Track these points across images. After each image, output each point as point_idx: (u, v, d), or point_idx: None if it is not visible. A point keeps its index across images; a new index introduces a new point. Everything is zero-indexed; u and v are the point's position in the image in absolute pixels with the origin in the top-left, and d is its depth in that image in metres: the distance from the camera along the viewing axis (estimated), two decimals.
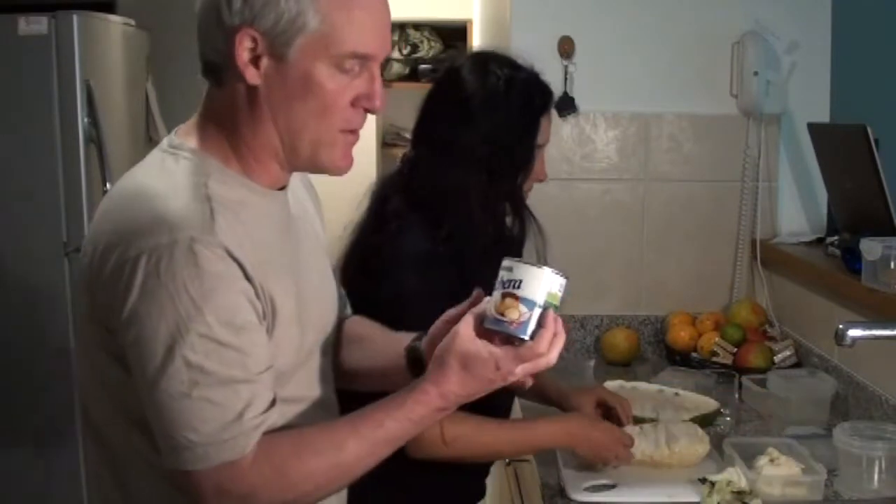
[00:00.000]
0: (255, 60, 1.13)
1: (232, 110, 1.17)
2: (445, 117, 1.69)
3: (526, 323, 1.13)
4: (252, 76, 1.13)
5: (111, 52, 3.30)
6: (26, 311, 3.03)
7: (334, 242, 1.70)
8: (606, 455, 1.68)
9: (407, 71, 4.80)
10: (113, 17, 3.40)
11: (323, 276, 1.33)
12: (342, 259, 1.68)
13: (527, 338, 1.13)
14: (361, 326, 1.43)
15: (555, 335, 1.15)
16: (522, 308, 1.13)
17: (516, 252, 1.71)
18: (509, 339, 1.14)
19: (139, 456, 1.15)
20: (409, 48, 4.86)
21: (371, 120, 6.09)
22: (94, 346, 1.15)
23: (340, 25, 1.12)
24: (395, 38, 4.94)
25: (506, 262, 1.16)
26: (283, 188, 1.24)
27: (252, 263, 1.11)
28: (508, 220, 1.72)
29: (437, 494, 1.71)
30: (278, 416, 1.13)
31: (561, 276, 1.15)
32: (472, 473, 1.78)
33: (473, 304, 1.19)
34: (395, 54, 4.89)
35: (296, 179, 1.31)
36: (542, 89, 1.72)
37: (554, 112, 2.51)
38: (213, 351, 1.06)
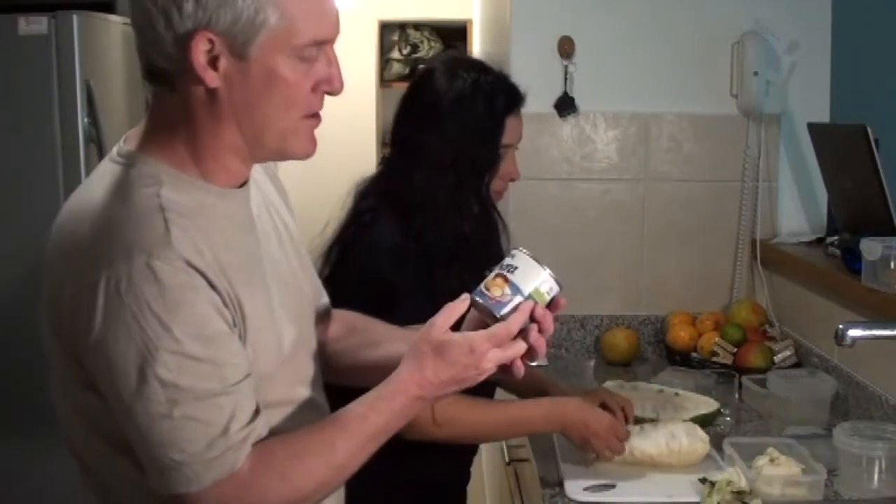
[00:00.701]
0: (213, 62, 1.10)
1: (188, 114, 1.13)
2: (415, 119, 1.75)
3: (504, 303, 1.17)
4: (211, 79, 1.09)
5: (111, 52, 3.30)
6: (26, 312, 3.03)
7: (316, 239, 1.73)
8: (598, 444, 1.67)
9: (407, 71, 4.80)
10: (113, 17, 3.40)
11: (295, 268, 1.31)
12: (322, 254, 1.73)
13: (498, 315, 1.17)
14: (354, 319, 1.43)
15: (541, 328, 1.17)
16: (507, 290, 1.18)
17: (489, 251, 1.73)
18: (485, 324, 1.18)
19: (124, 479, 1.13)
20: (409, 48, 4.87)
21: (371, 120, 6.09)
22: (63, 372, 1.13)
23: (299, 16, 1.11)
24: (395, 38, 4.95)
25: (514, 251, 1.21)
26: (244, 184, 1.21)
27: (215, 270, 1.09)
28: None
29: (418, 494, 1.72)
30: (264, 424, 1.12)
31: (555, 280, 1.20)
32: (451, 480, 1.80)
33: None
34: (395, 54, 4.89)
35: (259, 173, 1.29)
36: (509, 90, 1.76)
37: (553, 112, 2.53)
38: (187, 367, 1.04)
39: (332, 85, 1.16)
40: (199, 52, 1.08)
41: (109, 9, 3.52)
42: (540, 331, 1.17)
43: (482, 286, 1.19)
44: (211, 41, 1.08)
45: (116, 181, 1.13)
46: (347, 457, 1.14)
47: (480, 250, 1.71)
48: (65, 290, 1.07)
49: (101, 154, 3.07)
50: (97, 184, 1.15)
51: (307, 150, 1.19)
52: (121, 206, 1.09)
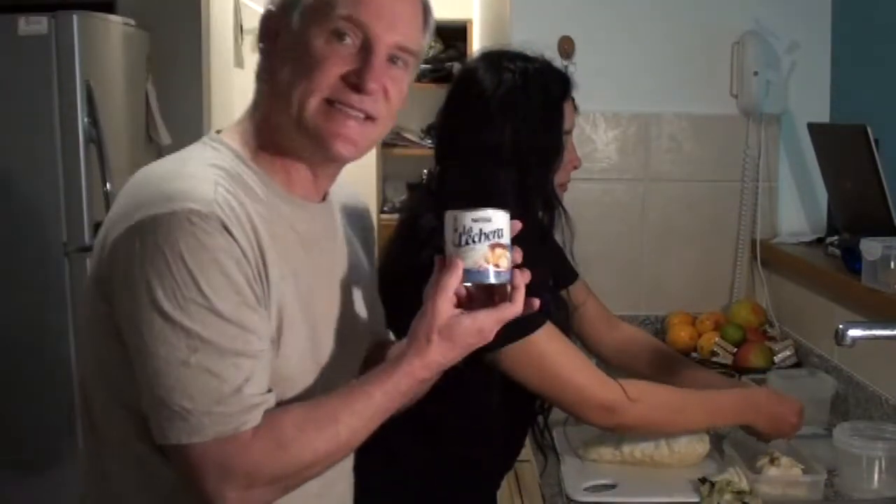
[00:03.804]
0: (274, 38, 1.18)
1: (262, 101, 1.21)
2: (467, 123, 1.64)
3: (511, 268, 1.16)
4: (263, 49, 1.18)
5: (111, 52, 3.30)
6: (26, 311, 3.03)
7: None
8: (786, 429, 1.68)
9: None
10: (113, 17, 3.40)
11: (349, 306, 1.30)
12: (388, 287, 1.56)
13: (507, 283, 1.16)
14: None
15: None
16: (508, 254, 1.16)
17: (556, 248, 1.71)
18: (487, 290, 1.15)
19: (127, 446, 1.14)
20: None
21: None
22: (94, 326, 1.14)
23: None
24: None
25: (479, 213, 1.15)
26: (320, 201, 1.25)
27: (253, 248, 1.11)
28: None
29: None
30: (273, 399, 1.13)
31: (507, 211, 1.18)
32: (483, 485, 1.78)
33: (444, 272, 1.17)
34: None
35: (349, 216, 1.34)
36: (559, 76, 1.70)
37: None
38: (212, 322, 1.06)
39: (359, 77, 1.14)
40: (267, 25, 1.19)
41: (109, 9, 3.53)
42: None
43: (485, 265, 1.14)
44: (274, 17, 1.18)
45: (189, 153, 1.20)
46: (349, 433, 1.14)
47: (554, 243, 1.70)
48: (110, 237, 1.10)
49: (101, 154, 3.07)
50: (170, 155, 1.22)
51: (337, 140, 1.16)
52: (180, 165, 1.15)
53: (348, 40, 1.15)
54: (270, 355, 1.13)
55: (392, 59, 1.18)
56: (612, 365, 1.89)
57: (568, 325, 1.67)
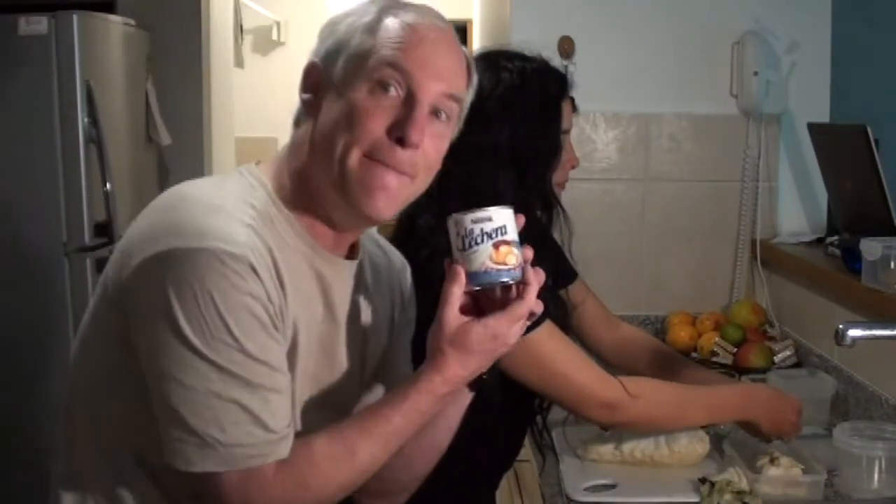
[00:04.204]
0: (315, 89, 1.17)
1: (298, 146, 1.19)
2: (465, 122, 1.64)
3: (521, 265, 1.13)
4: (306, 100, 1.17)
5: (111, 52, 3.30)
6: (26, 311, 3.03)
7: None
8: (786, 427, 1.68)
9: None
10: (113, 17, 3.41)
11: (345, 369, 1.27)
12: None
13: (520, 280, 1.12)
14: None
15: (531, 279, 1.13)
16: (516, 250, 1.12)
17: (555, 247, 1.71)
18: (499, 291, 1.13)
19: (126, 452, 1.14)
20: None
21: None
22: (104, 335, 1.14)
23: (383, 39, 1.13)
24: None
25: (479, 213, 1.11)
26: (348, 257, 1.24)
27: (277, 291, 1.11)
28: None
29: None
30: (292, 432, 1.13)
31: (510, 207, 1.15)
32: (482, 485, 1.78)
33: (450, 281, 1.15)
34: None
35: (378, 277, 1.32)
36: (557, 75, 1.69)
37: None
38: (241, 361, 1.05)
39: (402, 128, 1.11)
40: (309, 77, 1.18)
41: (109, 9, 3.53)
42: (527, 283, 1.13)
43: (493, 265, 1.11)
44: (318, 69, 1.17)
45: (224, 184, 1.18)
46: (370, 459, 1.13)
47: (553, 242, 1.70)
48: (138, 250, 1.08)
49: (101, 154, 3.08)
50: (205, 180, 1.21)
51: (378, 194, 1.13)
52: (218, 198, 1.12)
53: (392, 91, 1.12)
54: (290, 390, 1.13)
55: (436, 113, 1.16)
56: (612, 364, 1.89)
57: (567, 325, 1.67)
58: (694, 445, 1.71)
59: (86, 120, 3.04)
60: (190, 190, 1.16)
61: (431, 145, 1.16)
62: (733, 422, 1.76)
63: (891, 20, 2.35)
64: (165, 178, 3.79)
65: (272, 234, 1.13)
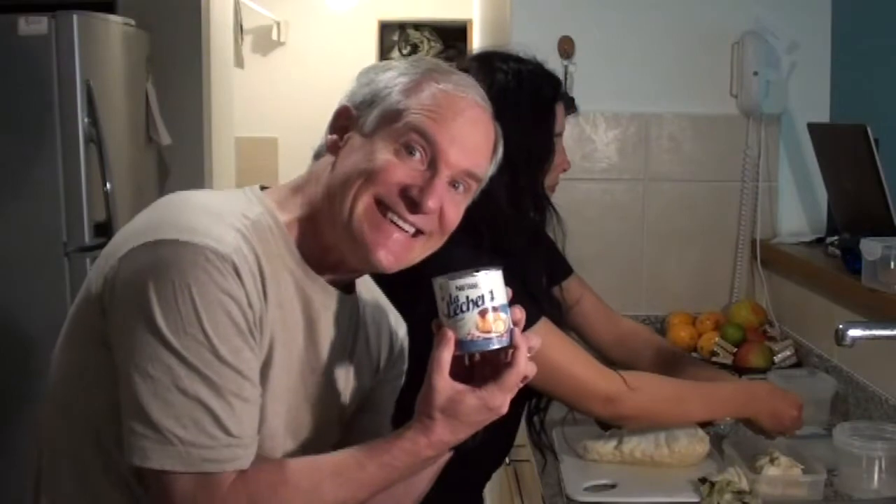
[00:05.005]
0: (343, 131, 1.18)
1: (314, 181, 1.19)
2: None
3: (510, 330, 1.10)
4: (331, 140, 1.18)
5: (111, 52, 3.30)
6: (26, 311, 3.03)
7: None
8: (787, 422, 1.68)
9: None
10: (113, 17, 3.41)
11: (329, 397, 1.26)
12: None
13: (508, 345, 1.10)
14: None
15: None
16: (503, 315, 1.09)
17: (549, 244, 1.71)
18: (487, 358, 1.11)
19: (98, 457, 1.12)
20: (409, 48, 4.88)
21: None
22: (84, 332, 1.13)
23: (418, 103, 1.14)
24: (396, 38, 4.96)
25: (461, 280, 1.08)
26: (345, 290, 1.23)
27: (259, 297, 1.10)
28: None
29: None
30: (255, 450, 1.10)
31: (498, 266, 1.12)
32: (469, 483, 1.78)
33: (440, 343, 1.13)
34: (396, 54, 4.89)
35: (382, 327, 1.32)
36: (551, 78, 1.70)
37: None
38: (210, 361, 1.04)
39: (421, 193, 1.13)
40: (339, 119, 1.19)
41: (109, 9, 3.53)
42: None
43: (479, 334, 1.08)
44: (348, 111, 1.19)
45: (227, 196, 1.19)
46: (333, 500, 1.10)
47: (547, 244, 1.71)
48: (125, 247, 1.08)
49: (101, 154, 3.08)
50: (210, 191, 1.22)
51: (380, 251, 1.14)
52: (214, 204, 1.14)
53: (417, 155, 1.14)
54: (259, 404, 1.11)
55: (454, 184, 1.17)
56: (613, 360, 1.89)
57: (562, 322, 1.68)
58: (694, 445, 1.71)
59: (86, 120, 3.04)
60: (187, 195, 1.17)
61: (448, 209, 1.17)
62: (734, 419, 1.76)
63: (891, 20, 2.35)
64: (165, 178, 3.79)
65: (263, 246, 1.13)
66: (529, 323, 1.50)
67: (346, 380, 1.28)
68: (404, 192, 1.13)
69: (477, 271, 1.08)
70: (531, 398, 1.67)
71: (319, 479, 1.10)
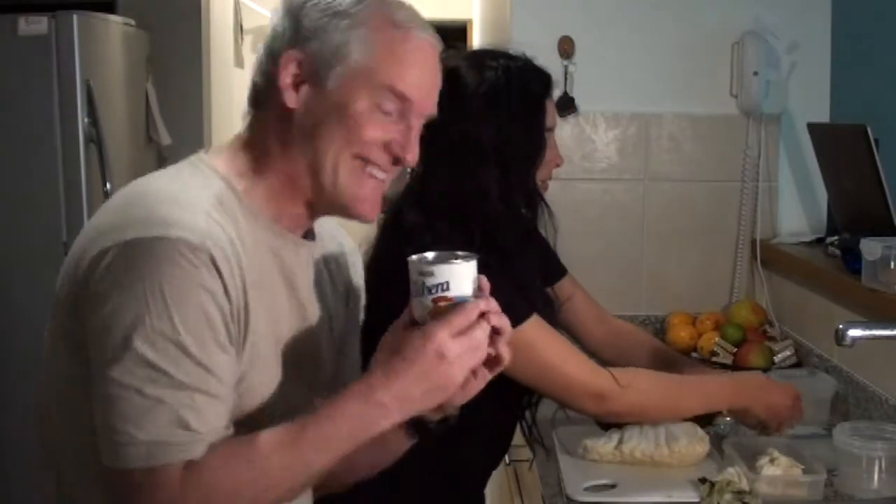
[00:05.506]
0: (297, 86, 1.15)
1: (264, 135, 1.18)
2: (450, 120, 1.60)
3: None
4: (290, 99, 1.15)
5: (111, 52, 3.30)
6: (26, 312, 3.03)
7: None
8: (784, 413, 1.68)
9: None
10: (113, 17, 3.41)
11: (319, 351, 1.28)
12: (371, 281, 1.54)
13: None
14: None
15: (500, 330, 1.10)
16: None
17: (541, 243, 1.72)
18: None
19: (86, 468, 1.11)
20: None
21: None
22: (59, 339, 1.13)
23: (384, 60, 1.14)
24: None
25: (421, 267, 1.09)
26: (306, 237, 1.24)
27: (236, 283, 1.09)
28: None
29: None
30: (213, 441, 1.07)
31: (474, 259, 1.11)
32: (470, 480, 1.78)
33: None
34: None
35: (332, 260, 1.31)
36: (541, 74, 1.70)
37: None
38: (175, 356, 1.03)
39: (403, 150, 1.17)
40: (288, 72, 1.15)
41: (109, 9, 3.53)
42: (498, 332, 1.11)
43: (424, 315, 1.09)
44: (299, 64, 1.15)
45: (180, 177, 1.16)
46: (283, 474, 1.07)
47: (541, 243, 1.71)
48: (93, 248, 1.07)
49: (101, 154, 3.08)
50: (160, 175, 1.19)
51: (362, 203, 1.18)
52: (176, 188, 1.12)
53: (392, 110, 1.16)
54: (231, 399, 1.10)
55: None
56: (605, 358, 1.89)
57: (554, 320, 1.68)
58: (694, 445, 1.71)
59: (86, 120, 3.04)
60: (146, 184, 1.15)
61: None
62: (730, 411, 1.76)
63: (891, 20, 2.35)
64: None
65: (233, 225, 1.12)
66: (520, 319, 1.51)
67: (331, 327, 1.30)
68: (386, 148, 1.16)
69: (446, 260, 1.10)
70: (524, 396, 1.68)
71: (265, 454, 1.06)
